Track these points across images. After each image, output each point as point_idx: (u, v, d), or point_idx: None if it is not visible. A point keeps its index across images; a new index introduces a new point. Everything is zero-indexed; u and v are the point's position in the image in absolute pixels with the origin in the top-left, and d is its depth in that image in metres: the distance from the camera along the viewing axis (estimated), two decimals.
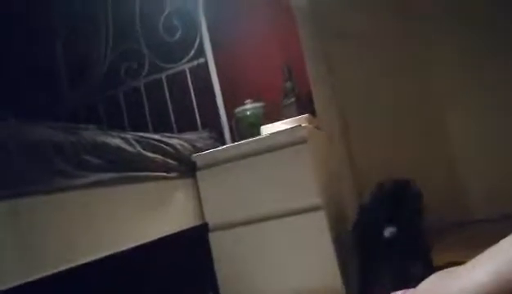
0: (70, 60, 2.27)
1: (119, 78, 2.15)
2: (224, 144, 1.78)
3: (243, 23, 2.05)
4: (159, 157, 1.35)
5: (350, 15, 2.18)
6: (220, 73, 1.97)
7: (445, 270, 0.58)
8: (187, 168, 1.51)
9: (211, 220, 1.51)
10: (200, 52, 1.98)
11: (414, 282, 0.61)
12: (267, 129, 1.60)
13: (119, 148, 1.18)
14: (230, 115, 1.93)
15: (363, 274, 1.30)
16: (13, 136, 0.88)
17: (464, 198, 2.09)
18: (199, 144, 1.63)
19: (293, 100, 1.79)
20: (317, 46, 2.02)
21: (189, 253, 1.66)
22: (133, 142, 1.25)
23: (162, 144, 1.39)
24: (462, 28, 2.06)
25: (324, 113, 1.90)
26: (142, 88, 2.10)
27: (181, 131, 1.87)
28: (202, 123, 1.99)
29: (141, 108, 2.09)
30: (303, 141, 1.41)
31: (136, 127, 1.76)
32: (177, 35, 2.02)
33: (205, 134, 1.82)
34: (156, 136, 1.41)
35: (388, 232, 1.19)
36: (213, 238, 1.50)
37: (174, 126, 2.02)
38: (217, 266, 1.49)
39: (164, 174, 1.39)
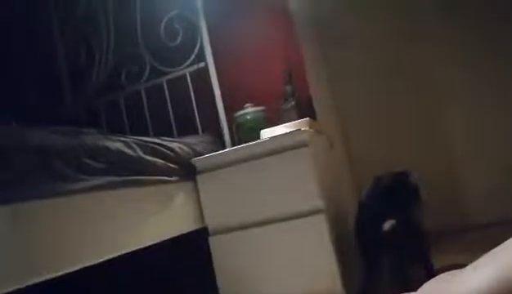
0: (71, 64, 2.27)
1: (120, 83, 2.16)
2: (224, 148, 1.79)
3: (243, 27, 2.06)
4: (159, 161, 1.36)
5: (349, 20, 2.19)
6: (220, 77, 1.98)
7: (446, 273, 0.58)
8: (187, 172, 1.51)
9: (211, 223, 1.51)
10: (201, 57, 1.99)
11: (414, 283, 0.61)
12: (267, 133, 1.61)
13: (119, 152, 1.18)
14: (230, 119, 1.94)
15: (365, 273, 1.30)
16: (14, 140, 0.88)
17: (463, 201, 2.09)
18: (199, 148, 1.63)
19: (293, 104, 1.80)
20: (317, 51, 2.03)
21: (189, 257, 1.66)
22: (134, 146, 1.26)
23: (162, 148, 1.39)
24: (462, 29, 2.08)
25: (324, 117, 1.90)
26: (143, 92, 2.11)
27: (181, 134, 1.87)
28: (202, 127, 2.00)
29: (142, 112, 2.10)
30: (303, 145, 1.41)
31: (137, 131, 1.76)
32: (178, 40, 2.03)
33: (205, 138, 1.82)
34: (157, 140, 1.41)
35: (388, 224, 1.19)
36: (213, 241, 1.50)
37: (175, 130, 2.03)
38: (217, 270, 1.48)
39: (165, 178, 1.39)
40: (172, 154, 1.43)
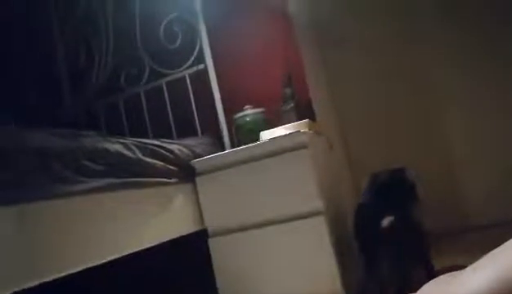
0: (71, 66, 2.28)
1: (119, 85, 2.16)
2: (223, 150, 1.79)
3: (242, 29, 2.07)
4: (158, 162, 1.36)
5: (348, 22, 2.19)
6: (220, 79, 1.98)
7: (445, 275, 0.58)
8: (187, 174, 1.51)
9: (211, 225, 1.51)
10: (200, 59, 2.00)
11: (414, 284, 0.61)
12: (267, 135, 1.61)
13: (118, 154, 1.18)
14: (229, 121, 1.94)
15: (365, 271, 1.30)
16: (14, 142, 0.88)
17: (463, 202, 2.09)
18: (198, 150, 1.63)
19: (292, 105, 1.80)
20: (316, 53, 2.03)
21: (188, 259, 1.65)
22: (133, 148, 1.26)
23: (161, 150, 1.39)
24: (461, 32, 2.08)
25: (323, 119, 1.91)
26: (142, 94, 2.11)
27: (180, 136, 1.87)
28: (202, 129, 2.00)
29: (141, 114, 2.10)
30: (303, 146, 1.41)
31: (136, 133, 1.76)
32: (177, 42, 2.03)
33: (205, 140, 1.82)
34: (156, 142, 1.41)
35: (387, 221, 1.19)
36: (213, 243, 1.50)
37: (174, 132, 2.03)
38: (216, 272, 1.48)
39: (164, 179, 1.39)
40: (171, 156, 1.43)
